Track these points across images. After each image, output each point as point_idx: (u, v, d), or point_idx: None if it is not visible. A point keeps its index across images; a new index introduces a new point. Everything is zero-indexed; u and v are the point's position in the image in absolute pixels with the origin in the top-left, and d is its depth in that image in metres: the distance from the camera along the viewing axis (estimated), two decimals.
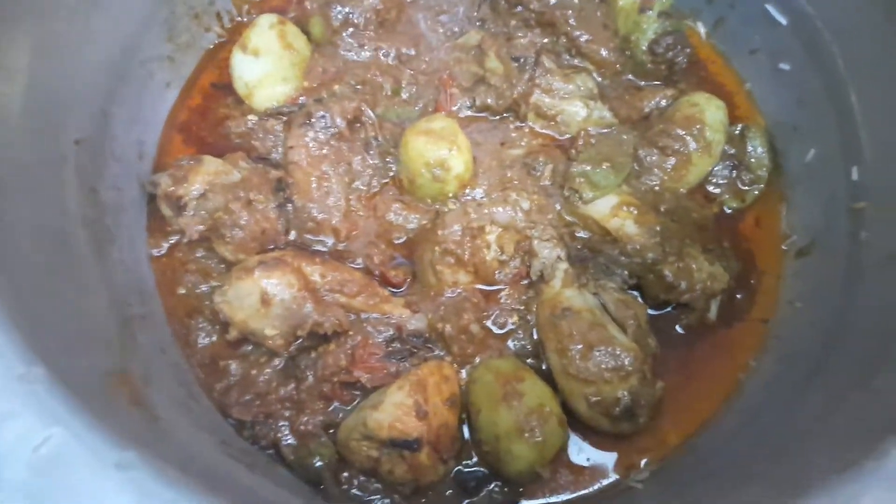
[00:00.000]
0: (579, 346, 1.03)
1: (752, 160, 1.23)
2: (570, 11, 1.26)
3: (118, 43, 1.09)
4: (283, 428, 1.04)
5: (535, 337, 1.12)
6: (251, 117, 1.23)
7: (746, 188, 1.23)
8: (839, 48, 1.10)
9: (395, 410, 0.98)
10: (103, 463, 0.55)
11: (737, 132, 1.24)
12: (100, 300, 0.92)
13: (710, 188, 1.24)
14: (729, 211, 1.24)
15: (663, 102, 1.26)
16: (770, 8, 1.19)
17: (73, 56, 0.98)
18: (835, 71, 1.11)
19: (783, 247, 1.20)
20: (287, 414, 1.05)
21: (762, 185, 1.23)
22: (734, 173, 1.24)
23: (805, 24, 1.15)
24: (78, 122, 0.99)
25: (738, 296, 1.17)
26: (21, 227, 0.80)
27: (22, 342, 0.62)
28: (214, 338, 1.11)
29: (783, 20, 1.18)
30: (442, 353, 1.10)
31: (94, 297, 0.93)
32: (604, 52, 1.26)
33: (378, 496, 1.00)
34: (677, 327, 1.15)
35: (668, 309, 1.14)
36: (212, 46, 1.32)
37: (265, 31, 1.24)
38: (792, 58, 1.20)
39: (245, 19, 1.35)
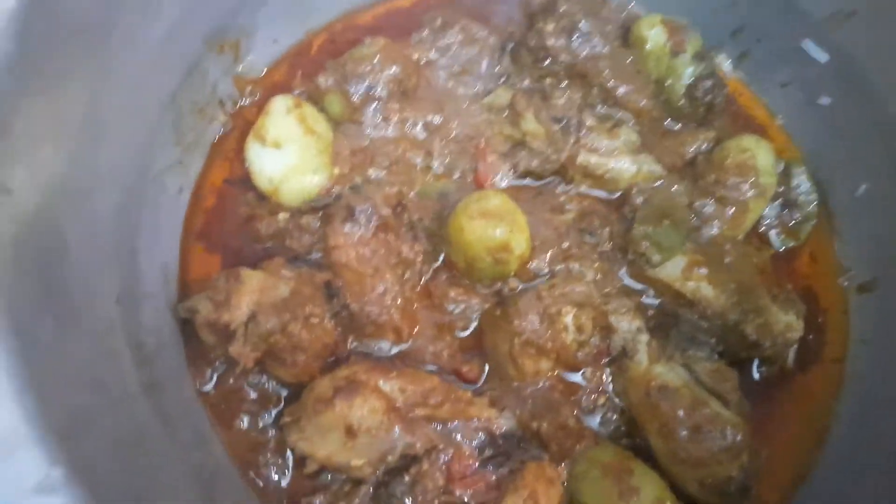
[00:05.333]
0: (686, 429, 0.99)
1: (800, 196, 1.21)
2: (603, 62, 1.20)
3: (133, 165, 0.94)
4: None
5: (625, 416, 1.07)
6: (282, 215, 1.11)
7: (798, 225, 1.22)
8: (890, 89, 1.08)
9: None
10: None
11: (780, 169, 1.22)
12: (185, 492, 0.80)
13: (761, 229, 1.22)
14: (781, 250, 1.23)
15: (705, 146, 1.23)
16: (807, 45, 1.16)
17: (94, 200, 0.83)
18: (885, 111, 1.10)
19: (843, 281, 1.20)
20: None
21: (814, 221, 1.22)
22: (784, 211, 1.22)
23: (849, 63, 1.13)
24: (113, 277, 0.85)
25: (809, 337, 1.16)
26: (103, 436, 0.67)
27: None
28: (288, 474, 1.00)
29: (822, 58, 1.16)
30: (537, 452, 1.03)
31: (174, 472, 0.81)
32: (643, 102, 1.21)
33: None
34: (753, 377, 1.14)
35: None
36: (216, 139, 1.18)
37: (282, 118, 1.12)
38: (833, 93, 1.18)
39: (247, 101, 1.21)
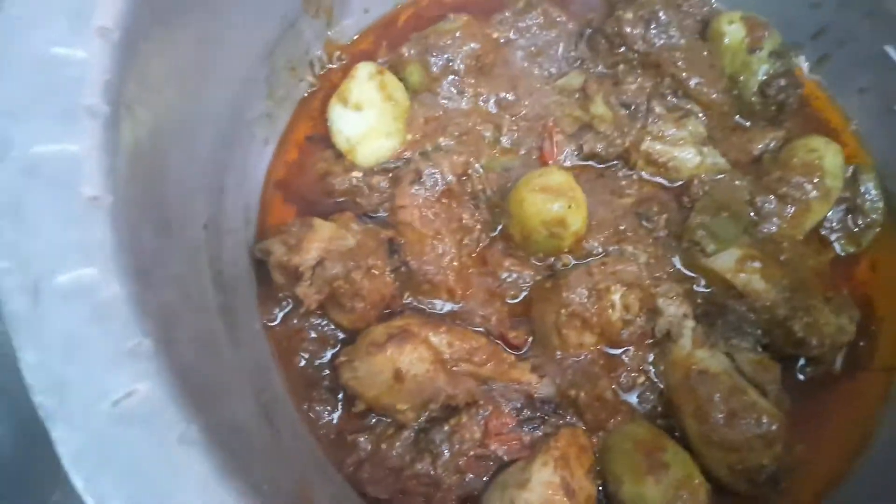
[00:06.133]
0: (722, 414, 1.01)
1: (867, 203, 1.21)
2: (678, 53, 1.22)
3: (228, 110, 1.04)
4: None
5: (663, 397, 1.10)
6: (355, 174, 1.19)
7: (861, 232, 1.21)
8: None
9: (544, 490, 0.96)
10: None
11: (848, 174, 1.22)
12: (246, 401, 0.88)
13: (823, 232, 1.22)
14: (842, 255, 1.22)
15: (773, 144, 1.23)
16: (891, 51, 1.15)
17: (194, 134, 0.93)
18: None
19: None
20: (422, 490, 1.03)
21: (878, 229, 1.21)
22: (848, 217, 1.22)
23: None
24: (203, 205, 0.95)
25: (861, 343, 1.16)
26: (186, 332, 0.76)
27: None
28: (338, 411, 1.08)
29: None
30: (573, 420, 1.08)
31: (241, 388, 0.89)
32: (714, 95, 1.22)
33: None
34: (798, 376, 1.14)
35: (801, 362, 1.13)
36: (304, 96, 1.27)
37: (365, 83, 1.19)
38: None
39: (336, 65, 1.29)
